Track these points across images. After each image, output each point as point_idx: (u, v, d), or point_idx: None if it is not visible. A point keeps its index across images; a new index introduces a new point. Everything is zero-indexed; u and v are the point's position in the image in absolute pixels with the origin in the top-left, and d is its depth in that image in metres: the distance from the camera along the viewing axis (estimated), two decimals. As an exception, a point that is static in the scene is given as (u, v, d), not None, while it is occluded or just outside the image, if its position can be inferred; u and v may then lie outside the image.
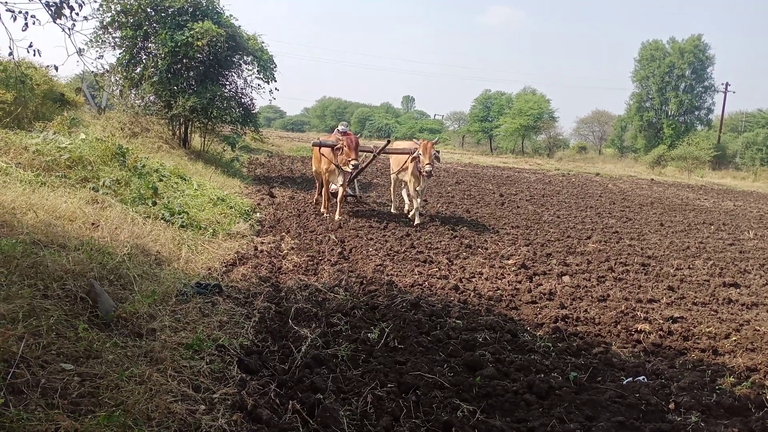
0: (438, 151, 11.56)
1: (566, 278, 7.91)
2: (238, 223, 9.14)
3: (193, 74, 16.66)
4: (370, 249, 8.54)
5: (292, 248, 8.32)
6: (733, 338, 5.75)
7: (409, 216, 11.74)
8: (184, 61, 16.25)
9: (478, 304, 6.28)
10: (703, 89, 47.93)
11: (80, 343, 3.81)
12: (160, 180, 10.07)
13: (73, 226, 6.06)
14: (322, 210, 11.72)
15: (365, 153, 12.23)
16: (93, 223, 6.33)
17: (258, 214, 10.72)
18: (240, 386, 3.82)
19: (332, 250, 8.35)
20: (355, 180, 13.20)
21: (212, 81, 16.79)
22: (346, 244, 8.89)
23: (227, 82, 18.01)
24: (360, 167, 11.69)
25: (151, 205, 8.30)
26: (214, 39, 15.45)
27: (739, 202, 21.80)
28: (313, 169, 12.50)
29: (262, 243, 8.34)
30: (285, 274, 6.97)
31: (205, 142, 18.75)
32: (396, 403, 3.82)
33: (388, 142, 12.28)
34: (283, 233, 9.30)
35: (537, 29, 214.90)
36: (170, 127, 17.53)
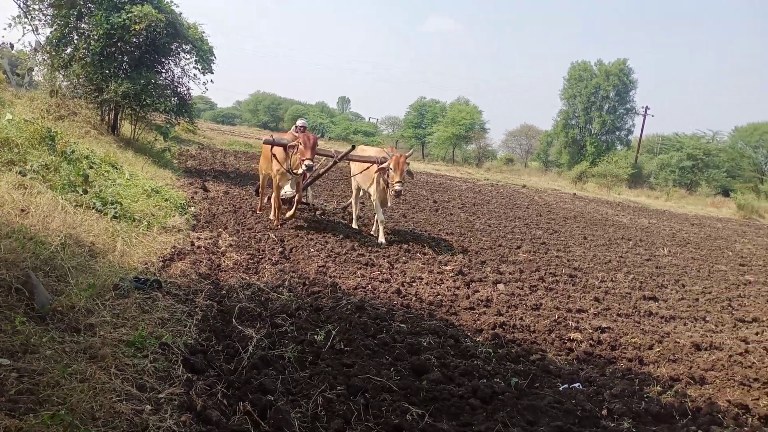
0: (408, 164, 9.93)
1: (501, 286, 8.16)
2: (173, 216, 8.87)
3: (127, 59, 16.01)
4: (311, 249, 8.49)
5: (231, 245, 8.15)
6: (657, 349, 6.12)
7: (353, 224, 10.95)
8: (119, 44, 15.60)
9: (421, 309, 6.38)
10: (625, 111, 50.67)
11: (17, 336, 3.61)
12: (91, 167, 9.62)
13: (2, 211, 5.70)
14: (271, 217, 10.49)
15: (325, 157, 10.90)
16: (22, 210, 5.98)
17: (192, 208, 10.43)
18: (187, 386, 3.72)
19: (272, 249, 8.25)
20: (309, 187, 11.85)
21: (147, 67, 16.21)
22: (285, 243, 8.80)
23: (163, 70, 17.46)
24: (318, 173, 10.59)
25: (81, 193, 7.91)
26: (153, 24, 14.93)
27: (653, 220, 23.12)
28: (261, 171, 11.20)
29: (199, 238, 8.13)
30: (225, 271, 6.83)
31: (136, 131, 18.05)
32: (347, 406, 3.83)
33: (353, 147, 10.54)
34: (220, 229, 9.09)
35: (473, 42, 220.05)
36: (99, 113, 16.76)
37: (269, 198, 10.97)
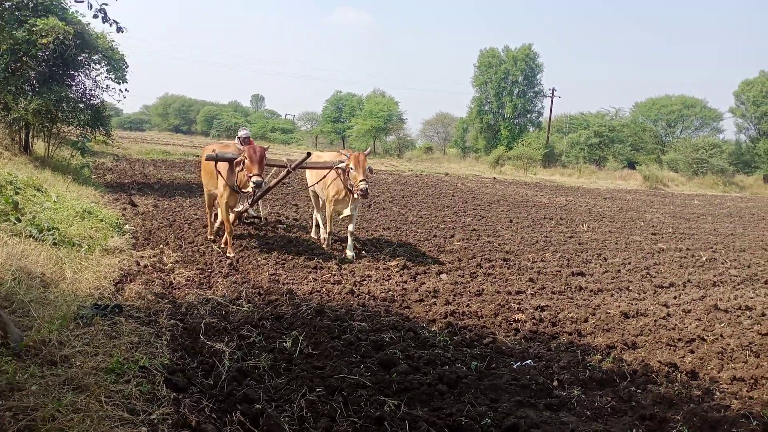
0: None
1: (444, 276, 8.62)
2: (112, 237, 8.74)
3: (34, 74, 15.34)
4: (258, 258, 8.63)
5: (177, 261, 8.16)
6: (591, 321, 6.75)
7: (324, 245, 9.83)
8: (24, 59, 14.92)
9: (376, 306, 6.72)
10: (534, 94, 52.91)
11: (2, 376, 3.65)
12: (17, 193, 9.30)
13: (-56, 250, 5.55)
14: (222, 245, 9.28)
15: (275, 168, 10.06)
16: (-37, 247, 5.83)
17: (127, 225, 10.26)
18: (175, 405, 3.88)
19: (220, 261, 8.33)
20: (260, 200, 10.75)
21: (57, 82, 15.59)
22: (231, 255, 8.87)
23: (74, 83, 16.84)
24: (268, 186, 9.67)
25: (15, 222, 7.70)
26: (61, 36, 14.40)
27: (569, 197, 24.51)
28: (206, 189, 10.00)
29: (143, 257, 8.08)
30: (179, 289, 6.88)
31: (50, 148, 17.31)
32: (329, 405, 4.11)
33: (308, 155, 9.73)
34: (162, 246, 9.04)
35: (383, 33, 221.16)
36: (9, 132, 15.98)
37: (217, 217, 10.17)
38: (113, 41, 17.17)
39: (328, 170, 9.43)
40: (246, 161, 8.37)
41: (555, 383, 4.94)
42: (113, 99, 19.62)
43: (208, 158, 9.08)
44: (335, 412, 4.05)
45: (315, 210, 10.72)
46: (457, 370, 4.91)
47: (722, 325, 6.98)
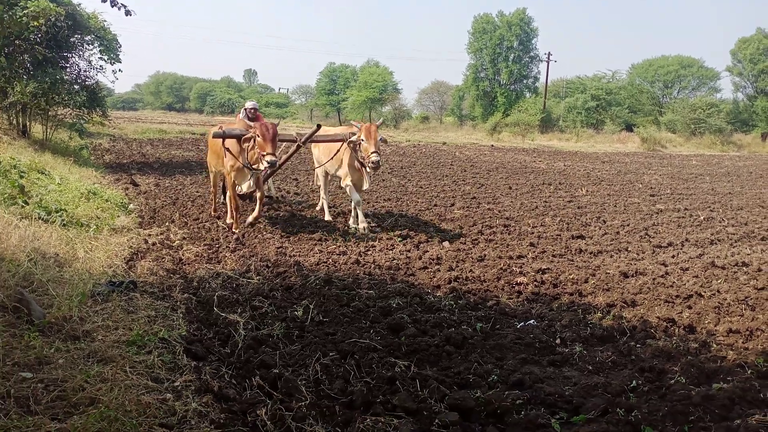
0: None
1: (446, 243, 8.78)
2: (119, 216, 8.89)
3: (28, 57, 15.31)
4: (264, 233, 8.78)
5: (184, 238, 8.31)
6: (591, 282, 6.93)
7: (326, 216, 10.03)
8: (17, 42, 14.88)
9: (382, 274, 6.90)
10: (530, 59, 52.38)
11: (31, 351, 3.83)
12: (21, 177, 9.41)
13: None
14: (228, 221, 9.22)
15: (285, 143, 9.85)
16: (-23, 230, 5.96)
17: (132, 204, 10.40)
18: (196, 372, 4.07)
19: (226, 236, 8.48)
20: (270, 178, 10.68)
21: (52, 64, 15.58)
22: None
23: (68, 65, 16.83)
24: (279, 163, 9.06)
25: (23, 204, 7.84)
26: (53, 18, 14.35)
27: (568, 162, 24.59)
28: (211, 169, 9.91)
29: (150, 235, 8.23)
30: (189, 264, 7.05)
31: (47, 131, 17.36)
32: (342, 368, 4.30)
33: (318, 127, 9.38)
34: (168, 223, 9.18)
35: (374, 1, 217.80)
36: (6, 117, 16.02)
37: (225, 197, 9.92)
38: (104, 21, 17.14)
39: (339, 146, 9.19)
40: (258, 139, 8.02)
41: (557, 341, 5.13)
42: (106, 79, 19.59)
43: (215, 135, 8.84)
44: (349, 374, 4.24)
45: (322, 190, 10.55)
46: (463, 332, 5.10)
47: (719, 281, 7.17)
